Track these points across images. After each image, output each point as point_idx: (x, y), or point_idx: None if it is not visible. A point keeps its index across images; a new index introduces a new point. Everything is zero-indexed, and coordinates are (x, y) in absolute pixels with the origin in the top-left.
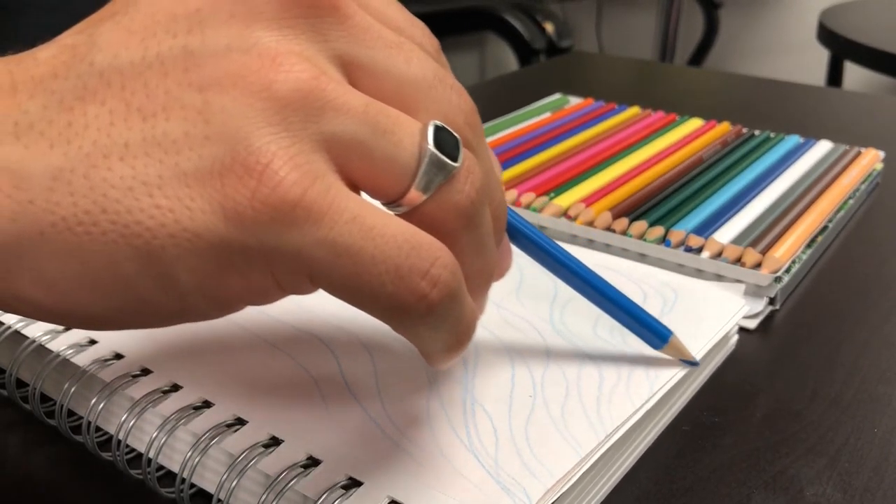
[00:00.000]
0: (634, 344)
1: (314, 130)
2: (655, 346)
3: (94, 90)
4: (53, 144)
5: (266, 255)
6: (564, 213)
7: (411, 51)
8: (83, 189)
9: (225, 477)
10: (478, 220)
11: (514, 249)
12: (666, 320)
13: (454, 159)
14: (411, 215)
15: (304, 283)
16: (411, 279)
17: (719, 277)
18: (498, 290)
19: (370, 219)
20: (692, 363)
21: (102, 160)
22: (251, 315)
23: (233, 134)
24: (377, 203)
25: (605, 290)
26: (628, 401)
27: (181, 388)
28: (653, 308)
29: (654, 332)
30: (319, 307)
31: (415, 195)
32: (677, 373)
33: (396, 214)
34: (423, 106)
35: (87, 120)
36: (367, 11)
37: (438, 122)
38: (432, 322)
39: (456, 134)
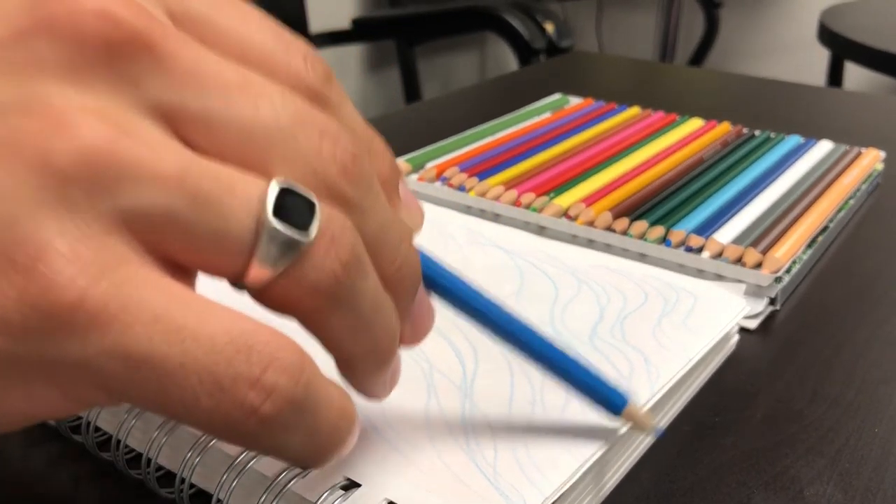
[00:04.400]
0: (636, 342)
1: (107, 207)
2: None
3: None
4: None
5: (44, 367)
6: (565, 213)
7: (261, 90)
8: None
9: (224, 477)
10: (349, 299)
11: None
12: (666, 321)
13: (305, 228)
14: (262, 295)
15: (101, 396)
16: (236, 390)
17: (720, 277)
18: (498, 294)
19: (180, 317)
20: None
21: None
22: (255, 314)
23: (0, 220)
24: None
25: (549, 351)
26: None
27: None
28: (653, 308)
29: (608, 400)
30: None
31: (260, 272)
32: (676, 374)
33: (251, 295)
34: (277, 160)
35: None
36: (203, 39)
37: (285, 183)
38: (273, 436)
39: (310, 196)
